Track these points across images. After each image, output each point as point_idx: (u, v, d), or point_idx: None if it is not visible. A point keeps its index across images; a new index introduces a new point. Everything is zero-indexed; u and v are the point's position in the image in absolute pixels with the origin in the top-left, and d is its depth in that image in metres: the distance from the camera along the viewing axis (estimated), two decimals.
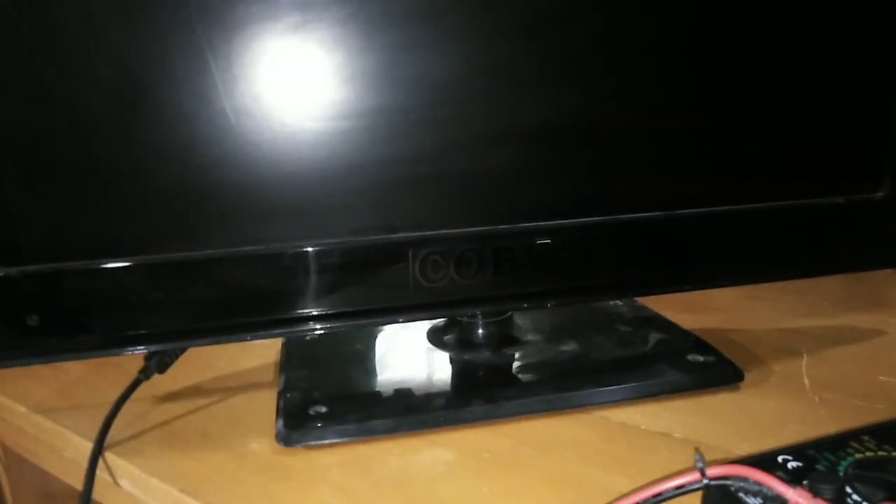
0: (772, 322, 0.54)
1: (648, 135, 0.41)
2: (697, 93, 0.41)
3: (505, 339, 0.48)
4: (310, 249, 0.38)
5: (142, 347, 0.39)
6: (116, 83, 0.34)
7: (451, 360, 0.47)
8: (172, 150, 0.35)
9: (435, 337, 0.49)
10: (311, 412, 0.40)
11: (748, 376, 0.44)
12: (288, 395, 0.42)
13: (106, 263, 0.36)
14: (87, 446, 0.39)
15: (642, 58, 0.40)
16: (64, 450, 0.42)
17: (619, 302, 0.55)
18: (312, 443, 0.39)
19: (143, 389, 0.42)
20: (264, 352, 0.50)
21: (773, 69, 0.41)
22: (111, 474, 0.39)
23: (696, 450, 0.31)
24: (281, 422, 0.40)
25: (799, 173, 0.44)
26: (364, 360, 0.48)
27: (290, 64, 0.35)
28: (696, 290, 0.47)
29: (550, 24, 0.38)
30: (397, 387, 0.43)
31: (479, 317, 0.48)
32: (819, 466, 0.29)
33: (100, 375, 0.48)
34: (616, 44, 0.39)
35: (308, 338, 0.50)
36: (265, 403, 0.43)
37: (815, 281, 0.55)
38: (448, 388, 0.44)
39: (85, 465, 0.38)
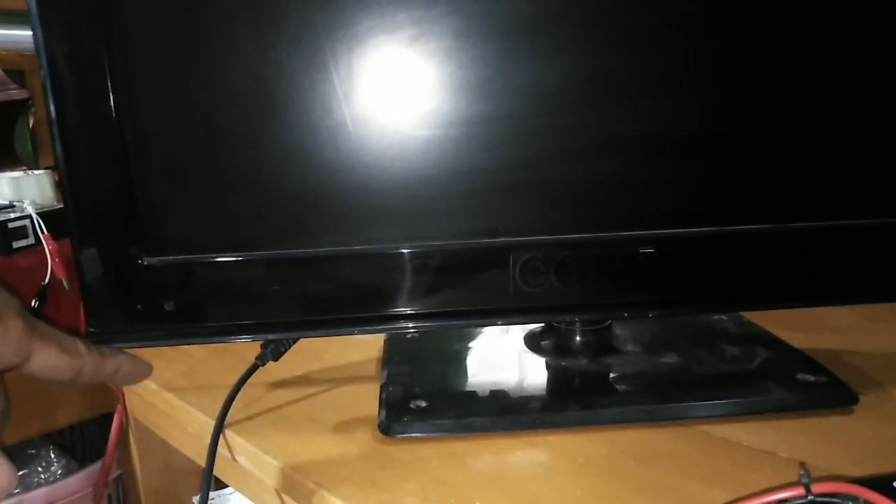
0: (892, 345, 0.51)
1: (758, 144, 0.40)
2: (810, 102, 0.40)
3: (603, 347, 0.48)
4: (416, 251, 0.40)
5: (260, 336, 0.43)
6: (249, 93, 0.37)
7: (548, 366, 0.48)
8: (295, 155, 0.38)
9: (532, 342, 0.50)
10: (412, 406, 0.42)
11: (864, 400, 0.42)
12: (390, 389, 0.44)
13: (232, 257, 0.40)
14: (209, 423, 0.42)
15: (753, 69, 0.39)
16: (188, 425, 0.46)
17: (723, 316, 0.53)
18: (412, 434, 0.40)
19: (258, 375, 0.45)
20: (367, 347, 0.53)
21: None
22: (230, 450, 0.42)
23: (802, 464, 0.30)
24: (383, 413, 0.42)
25: None
26: (462, 360, 0.49)
27: (405, 75, 0.37)
28: (806, 307, 0.45)
29: (660, 36, 0.38)
30: (493, 388, 0.44)
31: (578, 324, 0.48)
32: None
33: (220, 360, 0.52)
34: (726, 55, 0.39)
35: (409, 336, 0.52)
36: (368, 395, 0.45)
37: None
38: (544, 392, 0.44)
39: (206, 440, 0.42)
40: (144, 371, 0.40)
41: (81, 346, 0.35)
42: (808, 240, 0.41)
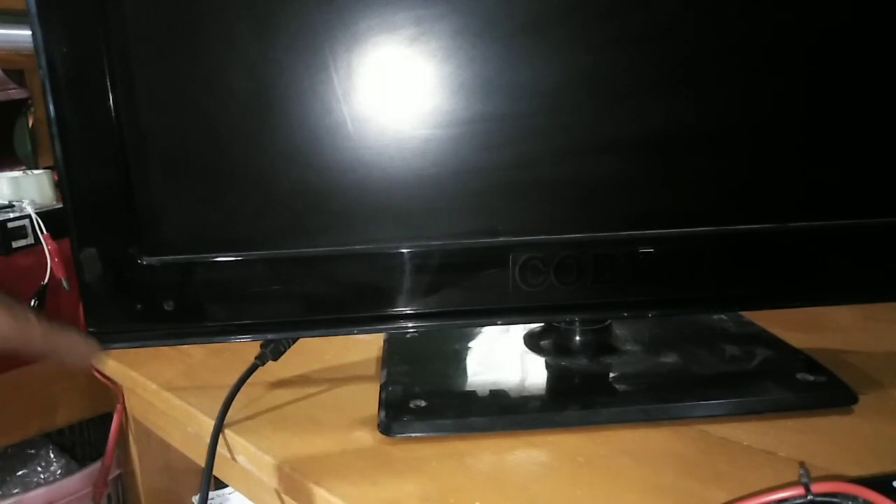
0: (892, 345, 0.51)
1: (758, 144, 0.40)
2: (809, 102, 0.40)
3: (603, 347, 0.48)
4: (416, 250, 0.40)
5: (260, 336, 0.43)
6: (249, 93, 0.37)
7: (547, 365, 0.48)
8: (295, 155, 0.38)
9: (531, 341, 0.50)
10: (412, 406, 0.42)
11: (863, 399, 0.42)
12: (390, 389, 0.44)
13: (232, 257, 0.40)
14: (209, 423, 0.42)
15: (753, 68, 0.39)
16: (188, 425, 0.46)
17: (723, 316, 0.53)
18: (412, 434, 0.40)
19: (258, 375, 0.45)
20: (366, 347, 0.53)
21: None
22: (229, 450, 0.42)
23: (801, 464, 0.30)
24: (383, 413, 0.42)
25: None
26: (461, 359, 0.49)
27: (404, 74, 0.37)
28: (806, 306, 0.45)
29: (659, 35, 0.38)
30: (493, 387, 0.44)
31: (577, 324, 0.48)
32: None
33: (220, 360, 0.52)
34: (725, 54, 0.38)
35: (409, 336, 0.52)
36: (368, 395, 0.45)
37: None
38: (543, 391, 0.44)
39: (206, 440, 0.42)
40: (92, 351, 0.39)
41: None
42: (809, 239, 0.41)
